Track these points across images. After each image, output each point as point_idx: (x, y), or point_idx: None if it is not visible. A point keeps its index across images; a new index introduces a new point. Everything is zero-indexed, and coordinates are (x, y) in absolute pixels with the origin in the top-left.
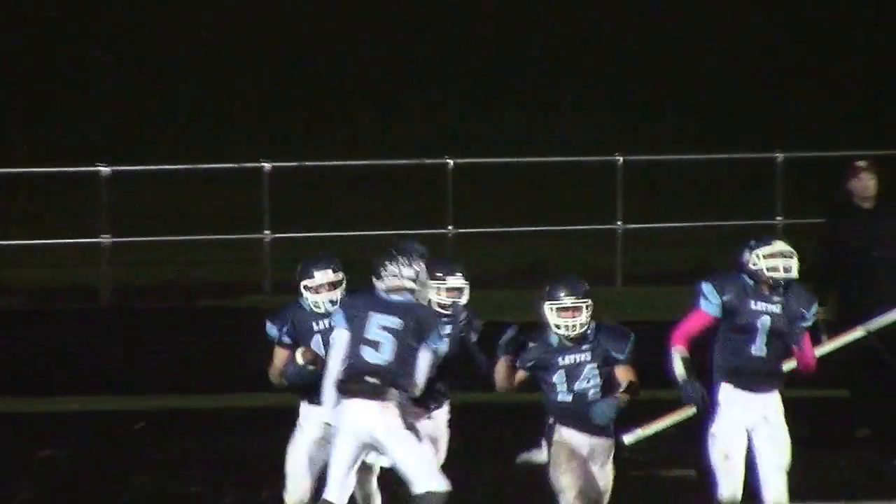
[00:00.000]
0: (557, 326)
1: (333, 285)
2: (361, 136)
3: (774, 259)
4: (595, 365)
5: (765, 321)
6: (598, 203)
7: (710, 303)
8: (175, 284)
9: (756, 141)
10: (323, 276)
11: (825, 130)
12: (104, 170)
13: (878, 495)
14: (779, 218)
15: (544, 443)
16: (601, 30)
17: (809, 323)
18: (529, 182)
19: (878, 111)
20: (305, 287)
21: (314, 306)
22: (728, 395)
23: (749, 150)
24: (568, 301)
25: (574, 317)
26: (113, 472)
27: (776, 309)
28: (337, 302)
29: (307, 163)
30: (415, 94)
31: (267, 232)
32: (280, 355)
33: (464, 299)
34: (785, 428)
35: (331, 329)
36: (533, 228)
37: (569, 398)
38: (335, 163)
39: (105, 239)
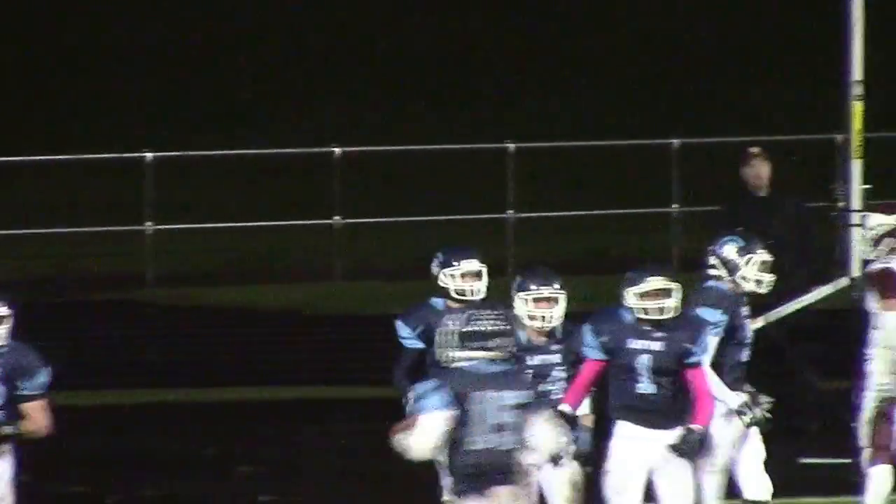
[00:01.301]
0: (532, 318)
1: None
2: (250, 126)
3: (647, 300)
4: (565, 367)
5: (643, 360)
6: (489, 191)
7: (590, 347)
8: (52, 278)
9: (652, 127)
10: None
11: (721, 117)
12: None
13: (784, 493)
14: (675, 206)
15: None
16: (495, 14)
17: (698, 358)
18: (421, 170)
19: (777, 97)
20: None
21: None
22: (622, 431)
23: (645, 136)
24: (546, 291)
25: (551, 307)
26: None
27: (658, 346)
28: None
29: (190, 152)
30: (305, 81)
31: (149, 224)
32: None
33: (482, 285)
34: (688, 467)
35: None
36: (423, 218)
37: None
38: (219, 152)
39: None
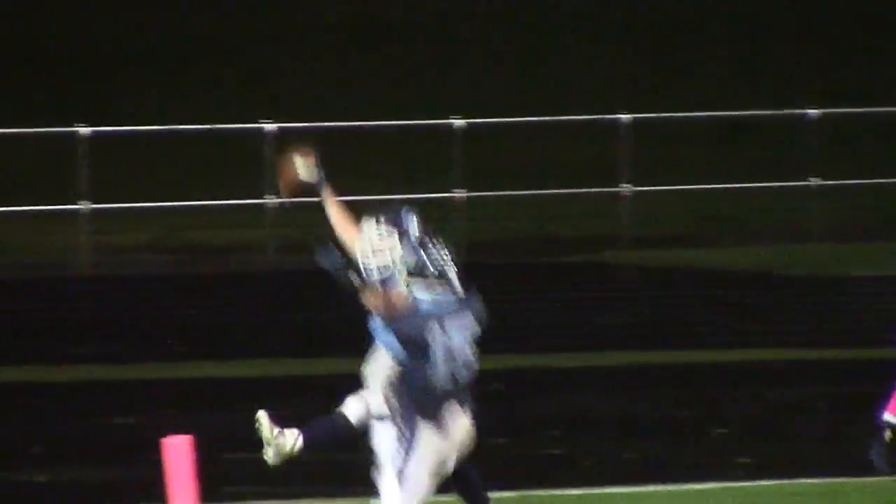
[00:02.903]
0: None
1: None
2: (722, 88)
3: None
4: None
5: None
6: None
7: None
8: (526, 240)
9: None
10: None
11: None
12: None
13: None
14: None
15: None
16: None
17: None
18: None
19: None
20: None
21: None
22: None
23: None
24: None
25: None
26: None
27: None
28: None
29: (668, 114)
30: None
31: (626, 185)
32: None
33: None
34: None
35: None
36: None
37: None
38: (693, 113)
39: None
